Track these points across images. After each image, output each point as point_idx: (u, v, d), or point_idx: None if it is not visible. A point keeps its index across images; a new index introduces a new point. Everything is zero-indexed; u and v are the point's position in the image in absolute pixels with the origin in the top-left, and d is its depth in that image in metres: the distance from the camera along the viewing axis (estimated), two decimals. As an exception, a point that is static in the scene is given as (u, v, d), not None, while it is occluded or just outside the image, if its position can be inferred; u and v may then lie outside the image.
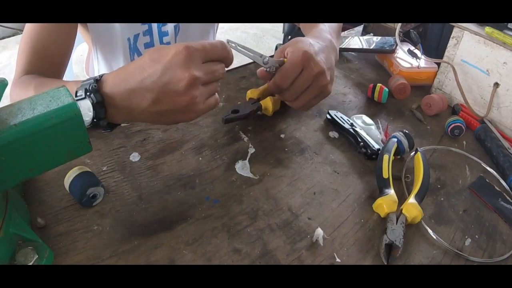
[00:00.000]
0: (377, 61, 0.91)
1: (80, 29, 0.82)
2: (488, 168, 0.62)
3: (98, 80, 0.44)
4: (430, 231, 0.49)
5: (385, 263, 0.45)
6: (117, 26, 0.73)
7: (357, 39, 0.92)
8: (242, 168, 0.56)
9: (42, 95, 0.38)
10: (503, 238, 0.51)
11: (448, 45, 0.74)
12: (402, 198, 0.52)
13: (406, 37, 0.89)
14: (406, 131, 0.60)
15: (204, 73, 0.43)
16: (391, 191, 0.52)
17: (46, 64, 0.64)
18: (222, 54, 0.45)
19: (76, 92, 0.43)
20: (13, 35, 2.82)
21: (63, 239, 0.43)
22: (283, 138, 0.62)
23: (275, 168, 0.56)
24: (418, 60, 0.81)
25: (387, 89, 0.73)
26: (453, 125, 0.66)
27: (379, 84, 0.74)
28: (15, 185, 0.45)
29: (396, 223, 0.48)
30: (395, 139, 0.59)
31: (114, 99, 0.42)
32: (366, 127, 0.64)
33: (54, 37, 0.63)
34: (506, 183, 0.59)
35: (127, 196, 0.49)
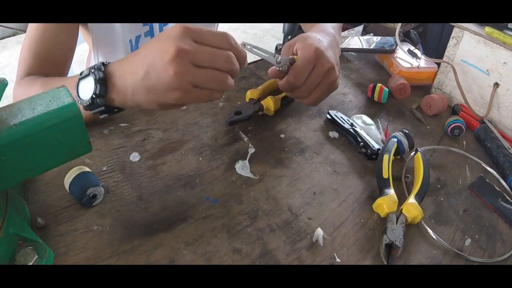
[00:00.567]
0: (377, 61, 0.91)
1: (81, 29, 0.81)
2: (488, 168, 0.62)
3: (105, 64, 0.46)
4: (430, 231, 0.49)
5: (385, 263, 0.45)
6: (118, 27, 0.73)
7: (357, 39, 0.92)
8: (242, 168, 0.56)
9: (42, 95, 0.38)
10: (503, 238, 0.51)
11: (448, 45, 0.74)
12: (402, 198, 0.52)
13: (406, 37, 0.89)
14: (406, 131, 0.60)
15: (194, 49, 0.41)
16: (391, 191, 0.52)
17: (49, 67, 0.64)
18: (221, 43, 0.42)
19: (81, 72, 0.46)
20: (13, 35, 2.82)
21: (63, 239, 0.43)
22: (283, 138, 0.62)
23: (275, 168, 0.56)
24: (418, 60, 0.81)
25: (387, 89, 0.73)
26: (453, 125, 0.66)
27: (379, 84, 0.74)
28: (15, 185, 0.45)
29: (396, 223, 0.48)
30: (395, 139, 0.59)
31: (114, 76, 0.44)
32: (366, 127, 0.64)
33: (56, 39, 0.63)
34: (506, 183, 0.59)
35: (127, 196, 0.49)
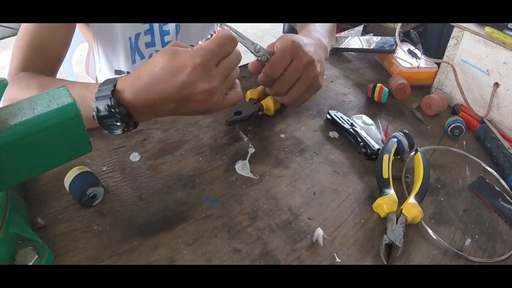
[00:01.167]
0: (377, 61, 0.91)
1: (81, 27, 0.81)
2: (488, 168, 0.62)
3: (113, 91, 0.44)
4: (430, 231, 0.49)
5: (385, 263, 0.45)
6: (118, 25, 0.73)
7: (357, 39, 0.92)
8: (242, 168, 0.56)
9: (42, 95, 0.38)
10: (503, 238, 0.51)
11: (448, 45, 0.74)
12: (402, 198, 0.52)
13: (406, 37, 0.89)
14: (406, 131, 0.60)
15: (221, 77, 0.44)
16: (391, 191, 0.52)
17: (42, 60, 0.63)
18: (231, 48, 0.46)
19: (97, 109, 0.44)
20: (13, 35, 2.82)
21: (63, 239, 0.43)
22: (283, 138, 0.62)
23: (275, 168, 0.56)
24: (418, 60, 0.81)
25: (387, 89, 0.73)
26: (453, 125, 0.66)
27: (379, 84, 0.74)
28: (15, 185, 0.45)
29: (396, 223, 0.48)
30: (395, 139, 0.59)
31: (137, 108, 0.45)
32: (366, 127, 0.64)
33: (51, 33, 0.63)
34: (506, 183, 0.59)
35: (127, 196, 0.49)
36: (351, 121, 0.65)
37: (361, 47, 0.89)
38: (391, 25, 1.04)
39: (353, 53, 0.93)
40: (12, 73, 0.62)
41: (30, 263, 0.37)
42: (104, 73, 0.81)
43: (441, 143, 0.67)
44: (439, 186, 0.57)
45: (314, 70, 0.55)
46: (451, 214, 0.53)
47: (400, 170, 0.58)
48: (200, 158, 0.56)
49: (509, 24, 0.65)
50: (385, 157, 0.56)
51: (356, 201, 0.53)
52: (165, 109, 0.45)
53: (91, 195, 0.46)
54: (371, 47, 0.88)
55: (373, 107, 0.74)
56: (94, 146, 0.45)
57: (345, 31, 1.03)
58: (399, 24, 0.83)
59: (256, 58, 0.55)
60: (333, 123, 0.66)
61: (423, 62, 0.82)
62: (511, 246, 0.49)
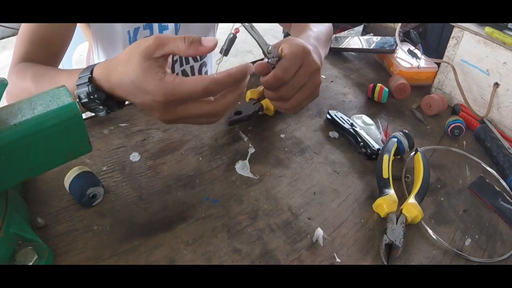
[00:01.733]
0: (377, 61, 0.91)
1: (81, 24, 0.81)
2: (488, 168, 0.62)
3: (90, 78, 0.46)
4: (430, 231, 0.49)
5: (385, 263, 0.45)
6: None
7: (357, 39, 0.92)
8: (242, 168, 0.56)
9: (42, 95, 0.38)
10: (503, 238, 0.51)
11: (448, 45, 0.74)
12: (402, 198, 0.52)
13: (406, 37, 0.89)
14: (406, 131, 0.60)
15: (179, 117, 0.44)
16: (391, 191, 0.52)
17: (44, 53, 0.64)
18: (203, 96, 0.43)
19: (79, 96, 0.46)
20: (13, 35, 2.82)
21: (63, 239, 0.43)
22: (283, 138, 0.62)
23: (275, 168, 0.56)
24: (418, 60, 0.81)
25: (387, 89, 0.73)
26: (453, 125, 0.66)
27: (379, 84, 0.74)
28: (15, 185, 0.45)
29: (396, 223, 0.48)
30: (395, 139, 0.59)
31: (115, 95, 0.46)
32: (366, 127, 0.64)
33: (53, 27, 0.64)
34: (506, 183, 0.59)
35: (127, 196, 0.49)
36: (351, 121, 0.65)
37: (361, 47, 0.89)
38: (391, 25, 1.04)
39: (353, 53, 0.93)
40: (13, 64, 0.63)
41: (30, 263, 0.37)
42: None
43: (441, 143, 0.67)
44: (439, 186, 0.57)
45: (318, 78, 0.54)
46: (451, 214, 0.53)
47: (400, 170, 0.58)
48: (200, 158, 0.56)
49: (509, 24, 0.65)
50: (385, 157, 0.56)
51: (356, 201, 0.53)
52: (125, 96, 0.46)
53: (91, 195, 0.46)
54: (371, 47, 0.88)
55: (373, 107, 0.74)
56: (94, 146, 0.45)
57: (345, 31, 1.03)
58: (399, 24, 0.83)
59: (267, 59, 0.52)
60: (333, 123, 0.66)
61: (423, 62, 0.82)
62: (511, 246, 0.49)
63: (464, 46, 0.71)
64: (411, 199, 0.51)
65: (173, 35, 0.45)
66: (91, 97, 0.45)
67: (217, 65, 0.46)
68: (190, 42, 0.42)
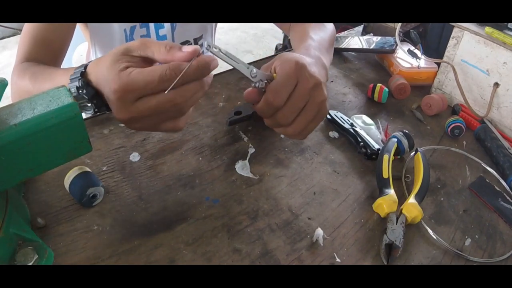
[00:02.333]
0: (377, 61, 0.91)
1: (80, 24, 0.82)
2: (488, 168, 0.62)
3: (83, 73, 0.44)
4: (430, 231, 0.49)
5: (385, 263, 0.45)
6: None
7: (357, 39, 0.92)
8: (242, 168, 0.56)
9: (42, 95, 0.38)
10: (503, 238, 0.51)
11: (448, 45, 0.74)
12: (402, 198, 0.52)
13: (406, 37, 0.89)
14: (406, 131, 0.60)
15: (139, 115, 0.40)
16: (391, 191, 0.52)
17: (45, 52, 0.65)
18: (164, 88, 0.39)
19: (70, 91, 0.44)
20: (13, 35, 2.82)
21: (63, 239, 0.43)
22: (283, 138, 0.62)
23: (275, 168, 0.56)
24: (418, 60, 0.81)
25: (387, 89, 0.73)
26: (453, 125, 0.66)
27: (379, 84, 0.74)
28: (15, 185, 0.45)
29: (396, 223, 0.48)
30: (395, 139, 0.59)
31: (99, 88, 0.44)
32: (366, 127, 0.64)
33: (54, 26, 0.65)
34: (506, 183, 0.59)
35: (127, 196, 0.49)
36: (351, 121, 0.65)
37: (361, 47, 0.89)
38: (391, 25, 1.04)
39: (353, 53, 0.93)
40: (16, 64, 0.65)
41: (30, 263, 0.37)
42: None
43: (441, 143, 0.67)
44: (439, 186, 0.57)
45: (321, 95, 0.46)
46: (451, 214, 0.53)
47: (400, 170, 0.58)
48: (200, 158, 0.56)
49: (509, 24, 0.65)
50: (385, 157, 0.56)
51: (356, 201, 0.53)
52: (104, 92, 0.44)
53: (91, 195, 0.46)
54: (371, 47, 0.88)
55: (373, 107, 0.74)
56: (94, 146, 0.45)
57: (345, 31, 1.03)
58: (399, 24, 0.83)
59: (253, 84, 0.44)
60: (333, 123, 0.66)
61: (423, 62, 0.82)
62: (511, 246, 0.49)
63: (464, 46, 0.71)
64: (411, 199, 0.51)
65: (161, 39, 0.43)
66: (80, 91, 0.43)
67: (216, 49, 0.41)
68: (170, 48, 0.40)
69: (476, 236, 0.50)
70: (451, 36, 0.73)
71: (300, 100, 0.45)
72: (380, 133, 0.64)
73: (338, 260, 0.45)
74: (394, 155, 0.58)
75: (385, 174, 0.53)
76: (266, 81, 0.44)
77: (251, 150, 0.59)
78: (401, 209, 0.49)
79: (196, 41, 0.89)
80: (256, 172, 0.55)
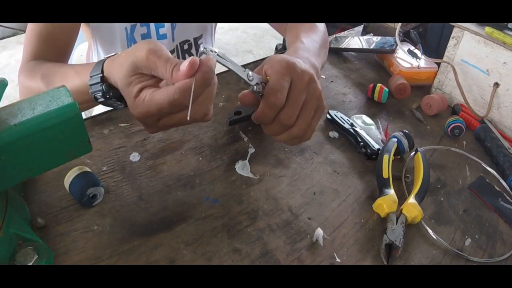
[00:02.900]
0: (377, 61, 0.91)
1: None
2: (488, 168, 0.62)
3: (102, 77, 0.46)
4: (430, 231, 0.49)
5: (385, 263, 0.45)
6: None
7: (357, 39, 0.92)
8: (242, 168, 0.56)
9: (42, 95, 0.38)
10: (503, 238, 0.51)
11: (448, 45, 0.74)
12: (402, 198, 0.52)
13: (406, 37, 0.89)
14: (406, 131, 0.60)
15: (158, 128, 0.44)
16: (391, 191, 0.52)
17: (52, 49, 0.65)
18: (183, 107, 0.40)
19: (94, 97, 0.47)
20: (13, 35, 2.82)
21: (63, 239, 0.43)
22: (283, 138, 0.62)
23: (275, 168, 0.56)
24: (418, 60, 0.81)
25: (387, 89, 0.73)
26: (453, 125, 0.66)
27: (379, 84, 0.74)
28: (15, 185, 0.45)
29: (396, 223, 0.48)
30: (395, 139, 0.59)
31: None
32: (366, 127, 0.64)
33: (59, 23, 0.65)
34: (506, 183, 0.59)
35: (127, 196, 0.49)
36: (351, 121, 0.65)
37: (361, 47, 0.89)
38: (391, 25, 1.04)
39: (353, 53, 0.93)
40: (23, 63, 0.64)
41: (30, 263, 0.37)
42: None
43: (441, 143, 0.67)
44: (439, 186, 0.57)
45: (317, 88, 0.47)
46: (451, 214, 0.53)
47: (400, 170, 0.58)
48: (200, 158, 0.56)
49: (509, 24, 0.65)
50: (385, 157, 0.56)
51: (356, 201, 0.53)
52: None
53: (91, 195, 0.46)
54: (371, 47, 0.88)
55: (373, 107, 0.74)
56: (94, 146, 0.45)
57: (345, 31, 1.03)
58: (399, 24, 0.83)
59: (251, 88, 0.44)
60: (333, 123, 0.66)
61: (423, 62, 0.82)
62: (511, 246, 0.49)
63: (464, 46, 0.71)
64: (411, 199, 0.51)
65: (167, 51, 0.42)
66: (107, 96, 0.46)
67: (214, 52, 0.41)
68: (173, 68, 0.40)
69: (476, 236, 0.50)
70: (451, 36, 0.73)
71: (299, 95, 0.45)
72: (380, 133, 0.64)
73: (338, 260, 0.45)
74: (394, 155, 0.58)
75: (385, 174, 0.53)
76: (262, 84, 0.44)
77: (251, 150, 0.59)
78: (401, 209, 0.49)
79: (196, 41, 0.89)
80: (256, 172, 0.55)
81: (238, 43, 3.08)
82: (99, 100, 0.48)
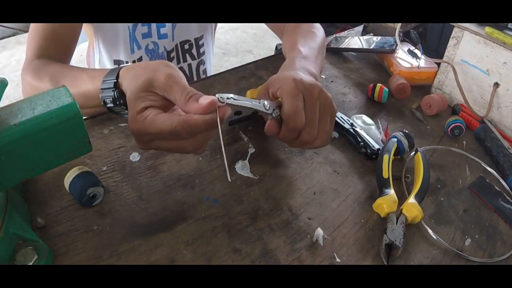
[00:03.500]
0: (377, 61, 0.91)
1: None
2: (488, 168, 0.62)
3: (116, 83, 0.47)
4: (430, 231, 0.49)
5: (385, 263, 0.45)
6: None
7: (357, 39, 0.92)
8: (242, 168, 0.56)
9: (42, 95, 0.38)
10: (503, 238, 0.51)
11: (448, 45, 0.74)
12: (402, 198, 0.52)
13: (406, 37, 0.89)
14: (406, 131, 0.60)
15: (155, 147, 0.44)
16: (391, 191, 0.52)
17: (56, 47, 0.65)
18: (182, 137, 0.41)
19: (104, 101, 0.48)
20: (13, 35, 2.82)
21: (63, 239, 0.43)
22: (283, 138, 0.62)
23: (275, 168, 0.56)
24: (418, 60, 0.81)
25: (387, 89, 0.73)
26: (453, 125, 0.66)
27: (379, 84, 0.74)
28: (15, 185, 0.45)
29: (396, 223, 0.48)
30: (395, 139, 0.59)
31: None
32: (366, 127, 0.64)
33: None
34: (506, 183, 0.59)
35: (127, 196, 0.49)
36: (351, 121, 0.65)
37: (361, 47, 0.89)
38: (391, 25, 1.04)
39: (353, 53, 0.93)
40: (27, 62, 0.64)
41: (30, 263, 0.37)
42: (103, 64, 0.82)
43: (441, 143, 0.67)
44: (439, 186, 0.57)
45: (328, 97, 0.47)
46: (451, 214, 0.53)
47: (400, 170, 0.58)
48: (200, 158, 0.56)
49: (509, 24, 0.65)
50: (385, 157, 0.56)
51: (356, 201, 0.53)
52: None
53: (91, 195, 0.46)
54: (371, 47, 0.88)
55: (373, 107, 0.74)
56: (94, 146, 0.45)
57: (345, 31, 1.03)
58: (399, 24, 0.83)
59: (270, 116, 0.46)
60: (333, 123, 0.66)
61: (423, 62, 0.82)
62: (511, 246, 0.49)
63: (464, 46, 0.71)
64: (411, 199, 0.51)
65: (185, 79, 0.43)
66: (117, 102, 0.47)
67: (227, 97, 0.42)
68: (189, 98, 0.41)
69: (476, 236, 0.50)
70: (451, 36, 0.73)
71: (314, 112, 0.46)
72: (380, 133, 0.64)
73: (338, 260, 0.45)
74: (394, 155, 0.58)
75: (385, 174, 0.53)
76: (277, 108, 0.46)
77: (251, 150, 0.59)
78: (401, 209, 0.49)
79: (197, 41, 0.89)
80: (256, 172, 0.55)
81: (238, 43, 3.08)
82: (108, 105, 0.48)
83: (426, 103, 0.74)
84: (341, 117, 0.66)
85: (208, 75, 0.97)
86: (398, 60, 0.83)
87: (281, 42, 0.78)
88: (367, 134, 0.62)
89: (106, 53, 0.80)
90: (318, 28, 0.73)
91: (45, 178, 0.50)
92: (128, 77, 0.46)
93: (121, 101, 0.47)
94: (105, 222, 0.46)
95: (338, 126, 0.65)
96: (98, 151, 0.55)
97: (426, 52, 0.83)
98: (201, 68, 0.94)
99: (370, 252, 0.46)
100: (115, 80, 0.47)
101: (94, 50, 0.81)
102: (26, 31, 0.67)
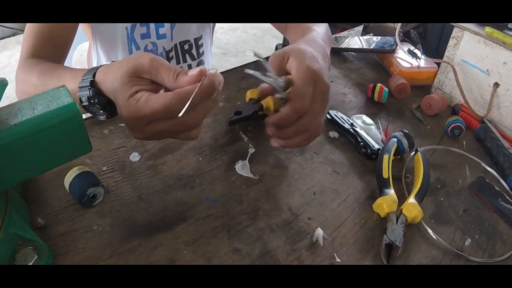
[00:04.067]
0: (377, 61, 0.91)
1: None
2: (488, 168, 0.62)
3: (92, 81, 0.46)
4: (430, 231, 0.49)
5: (385, 263, 0.45)
6: None
7: (357, 39, 0.92)
8: (242, 168, 0.56)
9: (42, 95, 0.38)
10: (503, 238, 0.51)
11: (448, 45, 0.74)
12: (402, 198, 0.52)
13: (406, 37, 0.89)
14: (406, 131, 0.60)
15: (151, 135, 0.43)
16: (391, 191, 0.52)
17: (51, 47, 0.65)
18: (174, 115, 0.40)
19: (80, 99, 0.47)
20: (13, 35, 2.82)
21: (63, 239, 0.43)
22: (283, 138, 0.62)
23: (275, 168, 0.56)
24: (418, 60, 0.81)
25: (387, 89, 0.73)
26: (453, 125, 0.66)
27: (379, 84, 0.74)
28: (15, 185, 0.45)
29: (396, 223, 0.48)
30: (395, 139, 0.59)
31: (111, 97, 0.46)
32: (366, 127, 0.64)
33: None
34: (506, 183, 0.59)
35: (127, 196, 0.49)
36: (351, 121, 0.65)
37: (361, 47, 0.89)
38: (391, 25, 1.04)
39: (353, 53, 0.93)
40: (21, 60, 0.64)
41: (30, 263, 0.37)
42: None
43: (441, 143, 0.67)
44: (439, 186, 0.57)
45: (328, 96, 0.50)
46: (451, 214, 0.53)
47: (400, 170, 0.58)
48: (200, 158, 0.56)
49: (509, 24, 0.65)
50: (385, 157, 0.56)
51: (356, 201, 0.53)
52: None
53: (91, 195, 0.46)
54: (371, 47, 0.88)
55: (373, 107, 0.74)
56: (94, 146, 0.45)
57: (345, 31, 1.03)
58: (399, 24, 0.83)
59: (279, 96, 0.48)
60: (333, 123, 0.66)
61: (423, 62, 0.82)
62: (511, 246, 0.49)
63: (464, 46, 0.71)
64: (411, 199, 0.51)
65: (167, 62, 0.42)
66: (92, 101, 0.45)
67: (214, 70, 0.42)
68: (177, 75, 0.40)
69: (476, 236, 0.50)
70: (451, 36, 0.73)
71: (316, 104, 0.48)
72: (380, 133, 0.64)
73: (338, 260, 0.45)
74: (394, 155, 0.58)
75: (385, 174, 0.53)
76: (286, 91, 0.47)
77: (251, 150, 0.59)
78: (401, 209, 0.49)
79: (196, 41, 0.89)
80: (256, 172, 0.55)
81: (238, 43, 3.08)
82: (83, 104, 0.47)
83: (426, 103, 0.74)
84: (341, 117, 0.66)
85: (207, 75, 0.96)
86: (398, 60, 0.83)
87: (281, 42, 0.78)
88: (367, 134, 0.62)
89: (104, 54, 0.80)
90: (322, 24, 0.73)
91: (45, 178, 0.50)
92: (111, 70, 0.45)
93: (96, 100, 0.46)
94: (105, 222, 0.45)
95: (338, 126, 0.65)
96: (98, 151, 0.55)
97: (426, 52, 0.83)
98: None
99: (370, 252, 0.46)
100: (92, 79, 0.46)
101: (93, 51, 0.81)
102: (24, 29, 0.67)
